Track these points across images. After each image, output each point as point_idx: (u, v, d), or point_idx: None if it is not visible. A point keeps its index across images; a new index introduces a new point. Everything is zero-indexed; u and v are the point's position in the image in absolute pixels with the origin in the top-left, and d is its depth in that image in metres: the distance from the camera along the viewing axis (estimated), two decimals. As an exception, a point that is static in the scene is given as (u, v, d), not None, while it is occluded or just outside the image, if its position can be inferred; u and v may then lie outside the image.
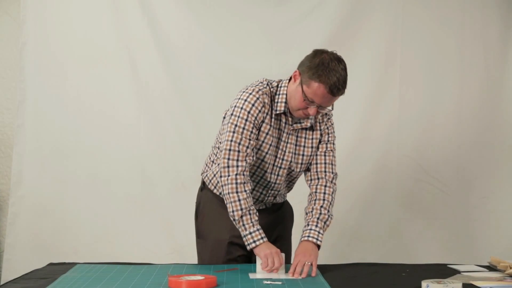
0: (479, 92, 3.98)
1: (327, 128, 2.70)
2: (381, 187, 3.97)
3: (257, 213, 2.54)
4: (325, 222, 2.62)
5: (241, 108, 2.53)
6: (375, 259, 3.75)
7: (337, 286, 2.26)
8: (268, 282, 2.27)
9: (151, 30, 3.90)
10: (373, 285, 2.33)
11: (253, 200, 2.62)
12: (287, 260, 2.79)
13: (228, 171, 2.50)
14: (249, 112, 2.52)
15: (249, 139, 2.52)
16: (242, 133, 2.51)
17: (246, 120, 2.52)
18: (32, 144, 3.92)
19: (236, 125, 2.52)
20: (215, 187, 2.75)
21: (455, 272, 2.51)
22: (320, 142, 2.69)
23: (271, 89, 2.59)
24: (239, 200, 2.49)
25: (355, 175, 3.96)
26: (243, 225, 2.50)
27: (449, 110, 3.98)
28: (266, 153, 2.60)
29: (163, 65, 3.91)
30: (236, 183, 2.49)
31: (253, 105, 2.52)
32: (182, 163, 3.91)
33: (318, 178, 2.69)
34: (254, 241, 2.48)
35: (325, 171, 2.69)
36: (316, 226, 2.59)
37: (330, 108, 2.55)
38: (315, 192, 2.67)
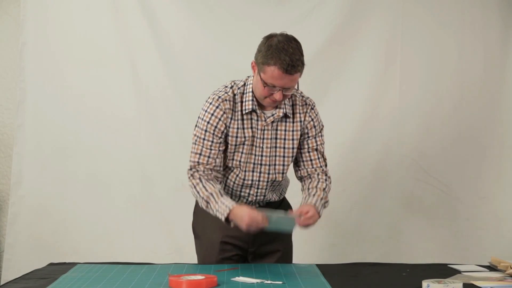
0: (479, 92, 3.97)
1: (312, 120, 2.71)
2: (381, 187, 3.96)
3: (220, 192, 2.58)
4: (323, 205, 2.66)
5: (202, 119, 2.64)
6: (375, 259, 3.76)
7: (337, 286, 2.26)
8: (269, 282, 2.27)
9: (151, 30, 3.89)
10: (373, 285, 2.33)
11: (243, 202, 2.68)
12: (289, 260, 2.80)
13: (190, 180, 2.62)
14: (208, 122, 2.61)
15: (210, 149, 2.61)
16: (202, 143, 2.62)
17: (206, 130, 2.61)
18: (32, 144, 3.92)
19: (197, 136, 2.64)
20: None
21: (456, 272, 2.51)
22: (304, 136, 2.70)
23: (238, 90, 2.64)
24: (198, 193, 2.59)
25: (355, 175, 3.96)
26: (212, 209, 2.56)
27: (449, 110, 3.98)
28: (242, 153, 2.63)
29: (163, 65, 3.91)
30: (195, 187, 2.60)
31: (212, 114, 2.61)
32: (182, 163, 3.84)
33: (310, 177, 2.72)
34: (223, 215, 2.51)
35: (314, 168, 2.73)
36: (320, 200, 2.63)
37: (295, 88, 2.58)
38: (308, 188, 2.70)
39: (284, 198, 2.90)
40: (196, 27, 3.92)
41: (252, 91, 2.62)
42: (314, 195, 2.64)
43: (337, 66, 3.94)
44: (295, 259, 2.86)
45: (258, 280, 2.29)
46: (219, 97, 2.62)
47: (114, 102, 3.93)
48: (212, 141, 2.61)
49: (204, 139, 2.62)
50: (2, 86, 4.05)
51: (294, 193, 2.92)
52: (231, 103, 2.62)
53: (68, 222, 3.92)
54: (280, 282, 2.27)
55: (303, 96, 2.74)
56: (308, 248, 3.82)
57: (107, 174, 3.93)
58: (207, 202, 2.57)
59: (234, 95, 2.63)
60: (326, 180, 2.72)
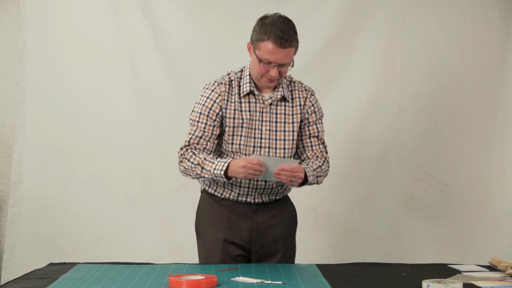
0: (479, 92, 3.97)
1: (312, 105, 2.77)
2: (381, 187, 3.96)
3: (215, 156, 2.66)
4: (317, 177, 2.68)
5: (198, 103, 2.71)
6: (375, 259, 3.75)
7: (337, 286, 2.26)
8: (269, 282, 2.27)
9: (151, 30, 3.89)
10: (373, 285, 2.33)
11: (247, 190, 2.69)
12: (292, 261, 2.80)
13: (180, 158, 2.67)
14: (203, 105, 2.68)
15: (203, 131, 2.67)
16: (197, 126, 2.68)
17: (200, 113, 2.68)
18: (32, 144, 3.91)
19: (192, 119, 2.71)
20: (209, 187, 2.78)
21: (456, 272, 2.51)
22: (305, 121, 2.75)
23: (235, 75, 2.73)
24: (192, 162, 2.61)
25: (355, 175, 3.96)
26: (208, 170, 2.58)
27: (449, 110, 3.98)
28: (241, 136, 2.67)
29: (163, 65, 3.91)
30: (188, 159, 2.63)
31: (207, 97, 2.69)
32: (182, 163, 3.90)
33: (308, 159, 2.76)
34: (222, 169, 2.54)
35: (314, 152, 2.76)
36: (313, 171, 2.66)
37: (290, 66, 2.63)
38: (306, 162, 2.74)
39: (288, 198, 2.89)
40: (196, 27, 3.92)
41: (250, 74, 2.69)
42: (307, 164, 2.69)
43: (337, 66, 3.94)
44: (295, 259, 2.86)
45: (258, 280, 2.28)
46: (215, 81, 2.72)
47: (114, 102, 3.93)
48: (206, 123, 2.67)
49: (198, 121, 2.68)
50: (2, 86, 4.04)
51: (296, 193, 2.92)
52: (227, 86, 2.70)
53: (68, 222, 3.92)
54: (280, 282, 2.27)
55: (302, 84, 2.81)
56: (308, 248, 3.82)
57: (107, 174, 3.93)
58: (202, 167, 2.60)
59: (231, 80, 2.72)
60: (324, 162, 2.75)
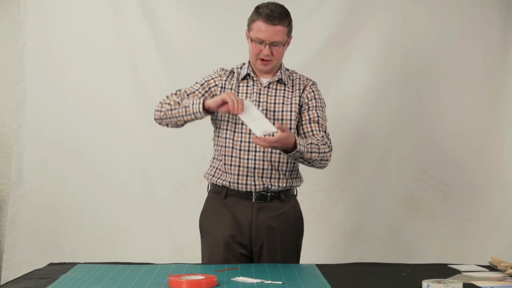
0: (479, 92, 3.97)
1: (312, 92, 2.82)
2: (381, 187, 3.96)
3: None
4: (311, 152, 2.64)
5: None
6: (375, 259, 3.75)
7: (338, 286, 2.26)
8: (269, 282, 2.27)
9: (151, 30, 3.90)
10: (373, 285, 2.33)
11: (246, 170, 2.70)
12: (296, 260, 2.79)
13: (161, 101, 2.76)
14: (203, 79, 2.84)
15: (192, 92, 2.77)
16: (189, 88, 2.80)
17: (196, 82, 2.84)
18: (32, 144, 3.92)
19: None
20: (213, 176, 2.79)
21: (456, 272, 2.51)
22: (305, 106, 2.77)
23: (236, 66, 2.86)
24: (170, 99, 2.72)
25: (355, 175, 3.96)
26: (184, 104, 2.65)
27: (449, 110, 3.97)
28: (236, 114, 2.67)
29: (163, 65, 3.91)
30: (168, 97, 2.76)
31: (208, 75, 2.85)
32: (182, 163, 3.90)
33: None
34: (199, 103, 2.61)
35: (315, 137, 2.75)
36: (307, 145, 2.63)
37: (282, 44, 2.72)
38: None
39: (295, 201, 2.88)
40: (196, 27, 3.92)
41: (249, 62, 2.80)
42: (303, 138, 2.71)
43: (337, 66, 3.94)
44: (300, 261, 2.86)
45: (258, 280, 2.28)
46: (218, 67, 2.88)
47: (114, 102, 3.93)
48: (196, 89, 2.79)
49: (192, 87, 2.82)
50: (2, 86, 4.05)
51: (298, 193, 2.92)
52: (227, 72, 2.84)
53: (68, 222, 3.92)
54: (280, 282, 2.27)
55: (303, 76, 2.87)
56: (308, 248, 3.81)
57: (107, 174, 3.93)
58: (178, 103, 2.67)
59: (233, 71, 2.83)
60: (323, 144, 2.71)
